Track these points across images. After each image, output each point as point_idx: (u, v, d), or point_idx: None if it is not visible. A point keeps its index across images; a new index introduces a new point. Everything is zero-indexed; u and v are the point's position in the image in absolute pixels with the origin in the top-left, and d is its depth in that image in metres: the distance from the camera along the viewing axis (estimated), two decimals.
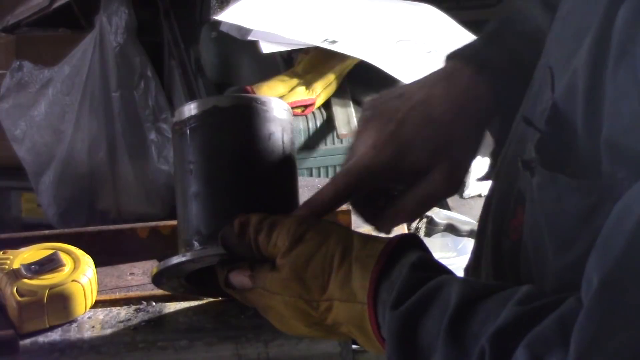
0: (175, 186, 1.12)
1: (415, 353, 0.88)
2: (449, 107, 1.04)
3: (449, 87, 1.05)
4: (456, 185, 1.06)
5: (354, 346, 1.24)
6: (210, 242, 1.07)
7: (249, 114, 1.10)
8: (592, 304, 0.74)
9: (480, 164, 2.24)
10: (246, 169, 1.08)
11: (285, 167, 1.11)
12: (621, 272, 0.73)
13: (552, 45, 0.93)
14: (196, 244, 1.08)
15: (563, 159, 0.84)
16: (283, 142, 1.11)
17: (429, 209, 1.09)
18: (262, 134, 1.09)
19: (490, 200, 1.04)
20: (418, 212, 1.08)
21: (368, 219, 1.10)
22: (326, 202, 1.06)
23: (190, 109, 1.10)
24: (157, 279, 1.15)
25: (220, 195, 1.08)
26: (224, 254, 1.06)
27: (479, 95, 1.05)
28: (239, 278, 1.04)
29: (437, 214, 2.09)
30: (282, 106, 1.13)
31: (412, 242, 0.98)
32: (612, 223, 0.75)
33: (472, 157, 1.06)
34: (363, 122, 1.07)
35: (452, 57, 1.08)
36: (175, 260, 1.10)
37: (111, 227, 1.45)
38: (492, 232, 1.00)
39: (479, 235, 1.07)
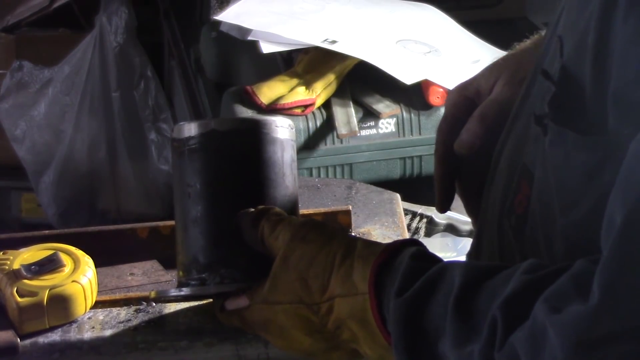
0: (174, 204, 1.11)
1: (422, 338, 0.88)
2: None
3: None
4: None
5: None
6: (208, 272, 1.06)
7: (248, 138, 1.08)
8: (617, 241, 0.74)
9: None
10: (246, 196, 1.06)
11: (285, 190, 1.10)
12: None
13: (560, 16, 0.94)
14: (194, 271, 1.07)
15: (573, 115, 0.85)
16: (284, 162, 1.09)
17: None
18: (262, 158, 1.08)
19: (491, 184, 1.04)
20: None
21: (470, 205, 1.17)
22: (479, 135, 1.09)
23: (190, 129, 1.08)
24: (155, 301, 1.16)
25: (219, 223, 1.07)
26: (220, 293, 1.05)
27: None
28: (236, 302, 1.04)
29: (437, 214, 2.09)
30: (282, 125, 1.11)
31: (413, 244, 0.98)
32: (631, 161, 0.75)
33: None
34: (489, 68, 1.14)
35: None
36: (173, 293, 1.11)
37: (111, 227, 1.45)
38: (497, 212, 1.00)
39: (479, 227, 1.08)
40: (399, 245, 0.97)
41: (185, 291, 1.08)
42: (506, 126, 1.04)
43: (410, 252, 0.94)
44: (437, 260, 0.95)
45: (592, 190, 0.82)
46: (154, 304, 1.27)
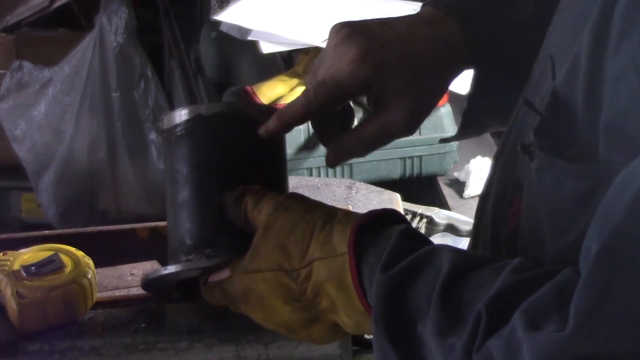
0: (165, 194, 1.12)
1: (402, 316, 0.89)
2: (430, 47, 1.06)
3: (433, 31, 1.07)
4: (415, 124, 1.08)
5: (353, 347, 1.24)
6: (194, 253, 1.07)
7: (233, 123, 1.08)
8: (591, 270, 0.75)
9: (481, 165, 2.23)
10: (231, 179, 1.07)
11: (272, 175, 1.10)
12: (620, 240, 0.74)
13: (552, 35, 0.94)
14: (181, 255, 1.08)
15: (562, 143, 0.85)
16: (270, 148, 1.10)
17: (382, 143, 1.09)
18: (247, 143, 1.08)
19: (487, 192, 1.05)
20: (372, 143, 1.09)
21: (324, 141, 1.11)
22: (297, 112, 1.06)
23: (177, 116, 1.09)
24: (146, 289, 1.16)
25: (204, 206, 1.07)
26: (205, 267, 1.06)
27: (459, 45, 1.07)
28: (218, 274, 1.05)
29: (437, 214, 2.09)
30: (267, 111, 1.11)
31: (395, 216, 0.99)
32: (613, 193, 0.75)
33: (436, 101, 1.10)
34: (340, 37, 1.08)
35: (432, 3, 1.10)
36: (159, 273, 1.11)
37: (111, 227, 1.46)
38: (491, 223, 1.01)
39: (475, 228, 1.08)
40: (380, 212, 0.97)
41: (170, 269, 1.08)
42: (502, 137, 1.04)
43: (399, 229, 0.94)
44: (426, 241, 0.95)
45: (583, 216, 0.82)
46: (154, 304, 1.27)
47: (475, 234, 1.07)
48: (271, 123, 1.07)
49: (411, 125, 1.07)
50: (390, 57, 1.05)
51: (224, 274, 1.04)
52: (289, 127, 1.07)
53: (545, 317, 0.77)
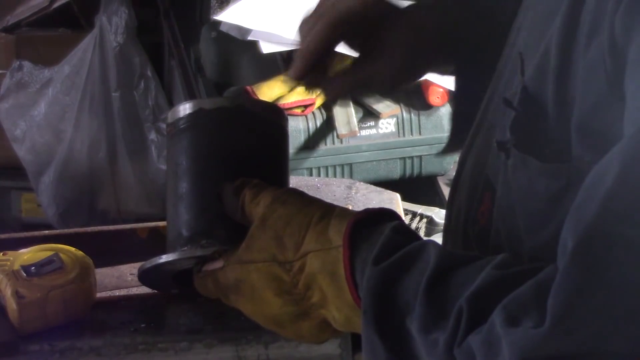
0: (166, 190, 1.13)
1: (391, 310, 0.89)
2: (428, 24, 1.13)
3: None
4: (399, 82, 1.14)
5: (353, 347, 1.24)
6: (190, 244, 1.07)
7: (235, 117, 1.10)
8: (567, 267, 0.75)
9: None
10: (230, 173, 1.08)
11: (272, 171, 1.11)
12: (594, 236, 0.74)
13: (520, 33, 0.95)
14: (178, 247, 1.08)
15: (534, 142, 0.85)
16: (269, 144, 1.11)
17: (359, 88, 1.16)
18: (248, 137, 1.09)
19: (454, 190, 1.05)
20: (354, 83, 1.15)
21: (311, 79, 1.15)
22: (318, 45, 1.11)
23: (181, 110, 1.11)
24: (142, 280, 1.16)
25: (202, 197, 1.08)
26: (199, 256, 1.06)
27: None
28: (211, 265, 1.05)
29: (437, 214, 2.10)
30: (269, 108, 1.12)
31: (393, 215, 0.99)
32: (586, 189, 0.76)
33: (419, 75, 1.16)
34: None
35: None
36: (155, 262, 1.10)
37: (111, 227, 1.46)
38: (462, 220, 1.01)
39: (445, 224, 1.08)
40: (377, 211, 0.98)
41: (165, 258, 1.09)
42: (470, 134, 1.04)
43: (392, 224, 0.95)
44: (418, 237, 0.95)
45: (557, 214, 0.82)
46: (154, 304, 1.27)
47: (446, 230, 1.08)
48: (296, 64, 1.11)
49: (395, 80, 1.13)
50: (398, 14, 1.12)
51: (218, 264, 1.04)
52: (312, 59, 1.11)
53: (525, 313, 0.77)
